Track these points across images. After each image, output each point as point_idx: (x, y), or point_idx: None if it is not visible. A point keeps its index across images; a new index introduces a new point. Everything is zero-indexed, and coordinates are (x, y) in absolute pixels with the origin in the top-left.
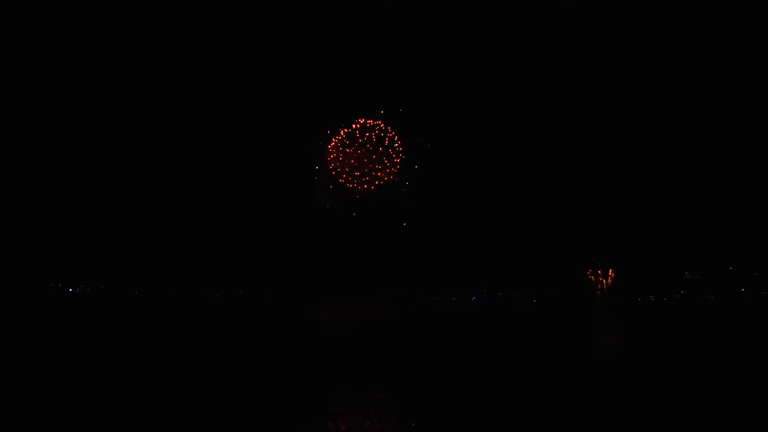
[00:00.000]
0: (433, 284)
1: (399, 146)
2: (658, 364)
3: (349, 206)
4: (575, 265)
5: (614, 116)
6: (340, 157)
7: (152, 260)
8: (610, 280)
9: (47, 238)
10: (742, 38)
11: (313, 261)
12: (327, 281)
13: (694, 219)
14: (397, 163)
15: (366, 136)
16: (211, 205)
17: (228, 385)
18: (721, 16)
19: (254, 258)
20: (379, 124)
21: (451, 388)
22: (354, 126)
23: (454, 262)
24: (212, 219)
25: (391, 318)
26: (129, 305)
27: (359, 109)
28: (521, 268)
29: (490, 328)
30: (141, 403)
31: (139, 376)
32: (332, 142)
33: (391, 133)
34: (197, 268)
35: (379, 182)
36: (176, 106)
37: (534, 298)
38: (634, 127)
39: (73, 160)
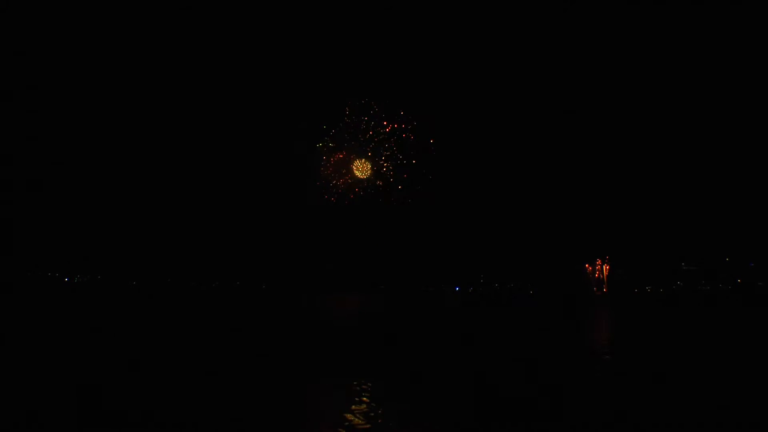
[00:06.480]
0: (429, 275)
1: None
2: (653, 356)
3: (346, 201)
4: (573, 257)
5: (612, 113)
6: (337, 155)
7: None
8: (606, 271)
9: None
10: (737, 35)
11: (314, 253)
12: (326, 273)
13: (690, 211)
14: (396, 160)
15: (362, 133)
16: (212, 204)
17: (219, 376)
18: (717, 15)
19: (253, 251)
20: (376, 120)
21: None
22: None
23: (452, 254)
24: (214, 217)
25: (386, 308)
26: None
27: (356, 107)
28: (519, 260)
29: (485, 320)
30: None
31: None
32: (327, 140)
33: (388, 128)
34: (197, 262)
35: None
36: (176, 105)
37: (531, 290)
38: (633, 124)
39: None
